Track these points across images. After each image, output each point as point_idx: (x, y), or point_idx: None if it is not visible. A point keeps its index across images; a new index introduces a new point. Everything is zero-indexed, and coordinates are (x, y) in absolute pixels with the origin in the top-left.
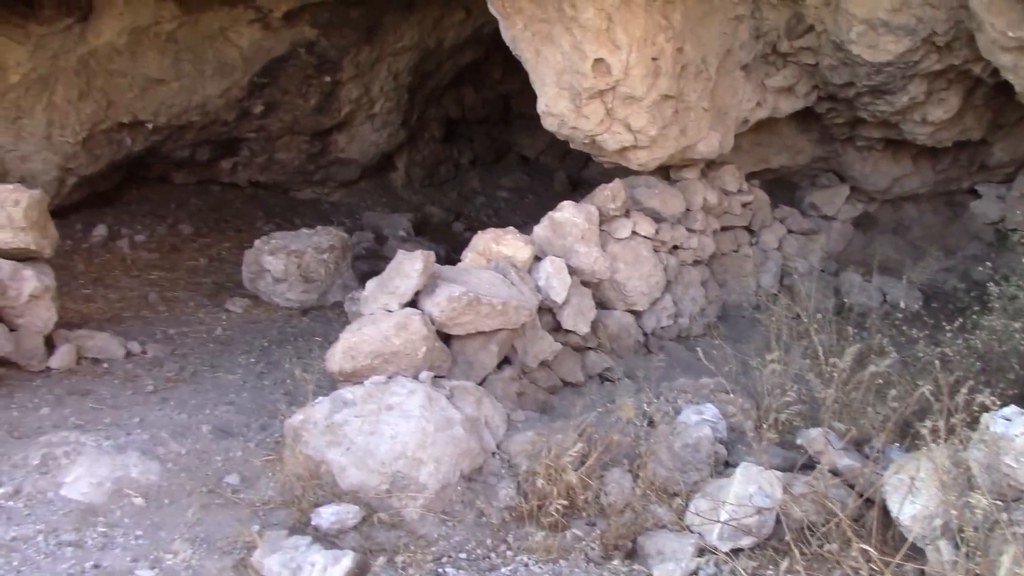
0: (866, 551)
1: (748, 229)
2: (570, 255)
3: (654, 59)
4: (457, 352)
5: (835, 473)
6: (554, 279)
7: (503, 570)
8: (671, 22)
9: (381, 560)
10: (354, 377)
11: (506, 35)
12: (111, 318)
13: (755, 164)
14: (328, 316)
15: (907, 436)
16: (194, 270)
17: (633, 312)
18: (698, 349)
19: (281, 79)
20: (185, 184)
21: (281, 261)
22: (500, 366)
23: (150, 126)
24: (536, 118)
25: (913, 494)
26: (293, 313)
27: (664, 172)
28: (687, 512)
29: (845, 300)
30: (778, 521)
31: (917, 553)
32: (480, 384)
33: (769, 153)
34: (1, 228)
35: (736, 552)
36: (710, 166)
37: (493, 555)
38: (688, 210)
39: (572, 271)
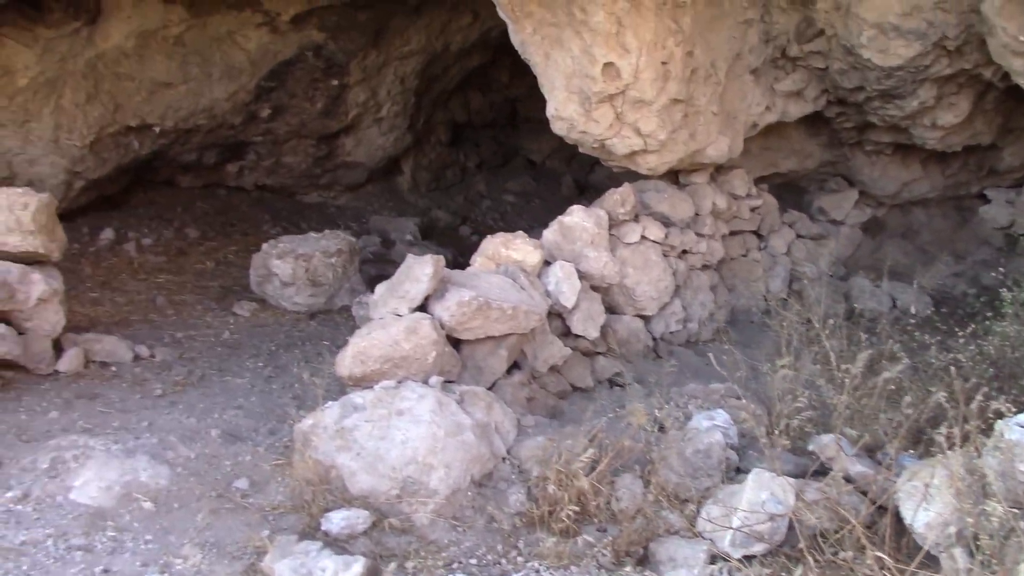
0: (881, 559)
1: (757, 234)
2: (579, 260)
3: (664, 63)
4: (467, 357)
5: (847, 480)
6: (564, 284)
7: None
8: (681, 26)
9: (392, 566)
10: (364, 382)
11: (515, 39)
12: (119, 321)
13: (764, 168)
14: (336, 320)
15: (920, 443)
16: (201, 274)
17: (642, 317)
18: (709, 355)
19: (288, 83)
20: (191, 188)
21: (289, 265)
22: (509, 371)
23: (157, 129)
24: (542, 122)
25: (927, 501)
26: (300, 317)
27: (673, 176)
28: (699, 518)
29: (856, 306)
30: (790, 528)
31: (931, 561)
32: (490, 389)
33: (778, 157)
34: (10, 232)
35: (748, 559)
36: (719, 170)
37: (504, 561)
38: (697, 214)
39: (581, 276)
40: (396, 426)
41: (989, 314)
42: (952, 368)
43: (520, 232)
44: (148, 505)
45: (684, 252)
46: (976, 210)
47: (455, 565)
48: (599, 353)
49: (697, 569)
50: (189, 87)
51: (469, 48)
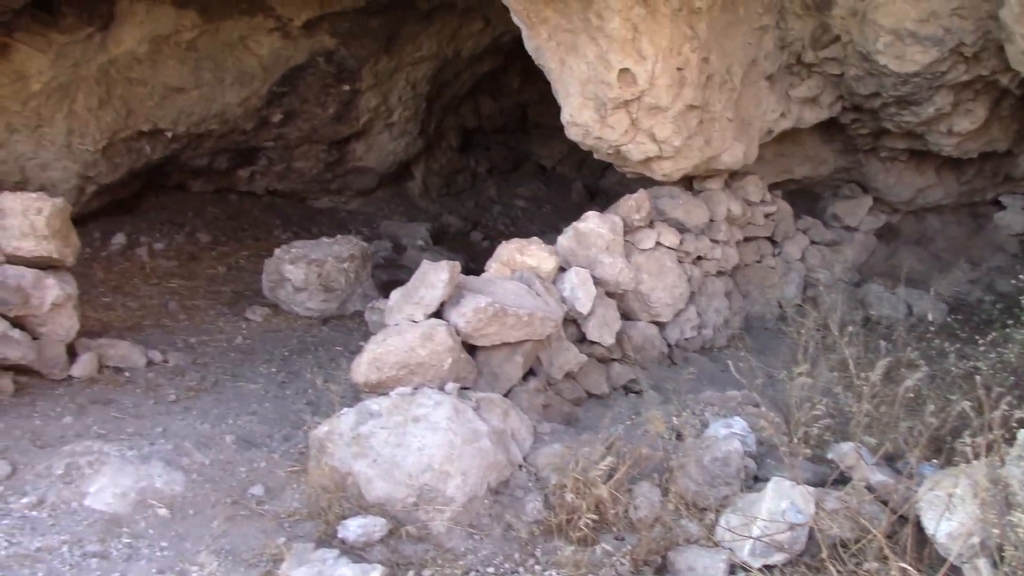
0: (905, 570)
1: (771, 240)
2: (594, 266)
3: (679, 69)
4: (482, 363)
5: (868, 489)
6: (579, 290)
7: None
8: (696, 32)
9: (409, 574)
10: (379, 388)
11: (529, 45)
12: (131, 326)
13: (778, 175)
14: (348, 326)
15: (941, 452)
16: (213, 278)
17: (657, 323)
18: (728, 362)
19: (300, 88)
20: (203, 192)
21: (301, 270)
22: (525, 377)
23: (169, 134)
24: (553, 127)
25: (950, 511)
26: (313, 322)
27: (687, 182)
28: (717, 527)
29: (872, 313)
30: (810, 537)
31: (955, 572)
32: (505, 395)
33: (792, 163)
34: (24, 236)
35: (768, 568)
36: (733, 176)
37: (521, 570)
38: (712, 221)
39: (596, 282)
40: (412, 433)
41: (1010, 322)
42: (973, 376)
43: (535, 238)
44: (163, 512)
45: (699, 258)
46: (991, 217)
47: (472, 573)
48: (614, 360)
49: None
50: (201, 92)
51: (480, 54)
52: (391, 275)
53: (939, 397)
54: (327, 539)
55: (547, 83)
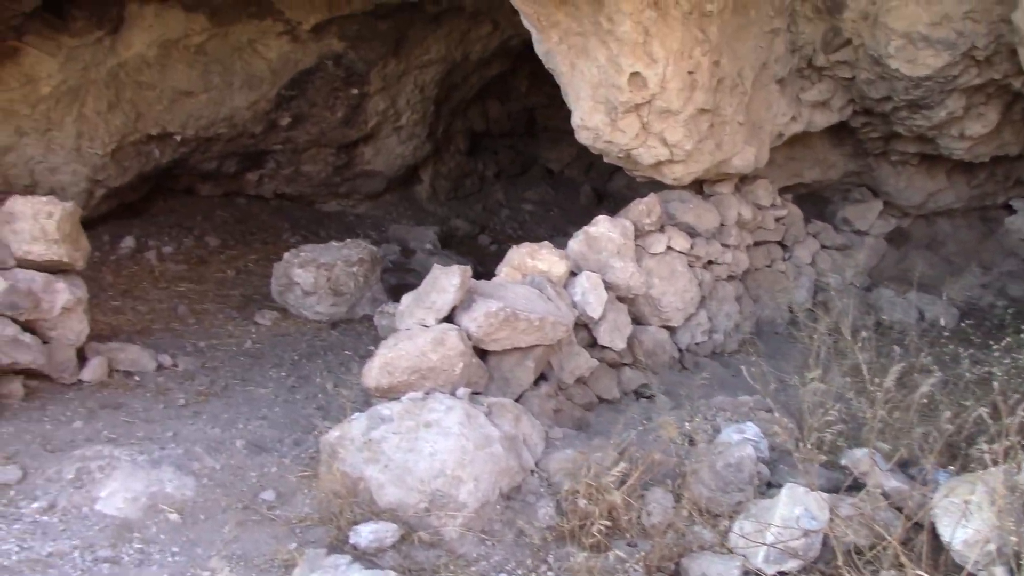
0: None
1: (781, 244)
2: (605, 270)
3: (690, 73)
4: (493, 368)
5: (883, 495)
6: (590, 294)
7: None
8: (708, 35)
9: None
10: (390, 393)
11: (539, 49)
12: (141, 330)
13: (788, 178)
14: (357, 330)
15: (956, 458)
16: (222, 282)
17: (668, 328)
18: (741, 367)
19: (309, 91)
20: (211, 196)
21: (311, 274)
22: (536, 382)
23: (178, 138)
24: (561, 131)
25: (966, 518)
26: (322, 326)
27: (697, 186)
28: (731, 534)
29: (884, 318)
30: (824, 544)
31: None
32: (516, 401)
33: (802, 167)
34: (34, 240)
35: (783, 575)
36: (743, 180)
37: (534, 575)
38: (722, 225)
39: (607, 286)
40: (424, 438)
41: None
42: (986, 382)
43: (546, 242)
44: (174, 517)
45: (709, 263)
46: (1002, 221)
47: None
48: (625, 364)
49: None
50: (210, 96)
51: (489, 57)
52: (400, 279)
53: (953, 403)
54: (339, 545)
55: (555, 87)
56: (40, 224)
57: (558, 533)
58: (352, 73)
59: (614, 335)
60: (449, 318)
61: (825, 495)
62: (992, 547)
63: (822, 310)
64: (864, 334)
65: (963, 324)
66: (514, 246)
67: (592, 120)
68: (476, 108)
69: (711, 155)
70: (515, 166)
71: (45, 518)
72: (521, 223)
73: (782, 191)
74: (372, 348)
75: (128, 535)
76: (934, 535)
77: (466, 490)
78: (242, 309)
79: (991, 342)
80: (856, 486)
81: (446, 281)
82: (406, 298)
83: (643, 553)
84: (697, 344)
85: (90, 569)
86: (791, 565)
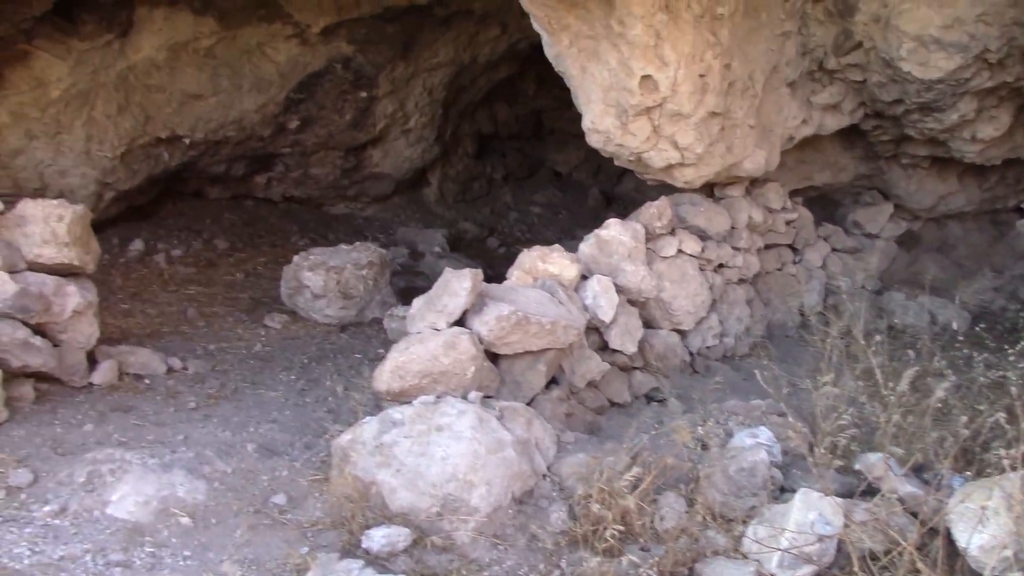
0: None
1: (792, 247)
2: (616, 273)
3: (702, 76)
4: (504, 372)
5: (898, 500)
6: (601, 298)
7: None
8: (719, 38)
9: None
10: (402, 397)
11: (549, 52)
12: (151, 333)
13: (798, 181)
14: (367, 333)
15: (971, 463)
16: (231, 285)
17: (679, 331)
18: (754, 371)
19: (317, 94)
20: (219, 199)
21: (320, 277)
22: (548, 386)
23: (187, 141)
24: (568, 133)
25: (983, 524)
26: (331, 329)
27: (708, 189)
28: (744, 539)
29: (896, 321)
30: (839, 549)
31: None
32: (528, 404)
33: (812, 170)
34: (45, 243)
35: None
36: (754, 183)
37: None
38: (733, 228)
39: (619, 290)
40: (436, 442)
41: None
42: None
43: (557, 246)
44: (186, 520)
45: (720, 266)
46: (1013, 224)
47: None
48: (636, 368)
49: None
50: (219, 99)
51: (497, 60)
52: (408, 281)
53: (967, 407)
54: (351, 549)
55: (563, 89)
56: (51, 227)
57: (571, 538)
58: (361, 76)
59: (625, 339)
60: (460, 322)
61: (839, 500)
62: (1009, 553)
63: (833, 313)
64: (878, 338)
65: (977, 328)
66: (525, 249)
67: (603, 123)
68: (484, 111)
69: (722, 158)
70: (523, 169)
71: (56, 522)
72: (529, 226)
73: (792, 194)
74: (382, 351)
75: (140, 539)
76: (949, 541)
77: (478, 494)
78: (251, 312)
79: (1006, 346)
80: (870, 491)
81: (457, 285)
82: (417, 301)
83: (656, 558)
84: (708, 348)
85: (102, 573)
86: (806, 570)
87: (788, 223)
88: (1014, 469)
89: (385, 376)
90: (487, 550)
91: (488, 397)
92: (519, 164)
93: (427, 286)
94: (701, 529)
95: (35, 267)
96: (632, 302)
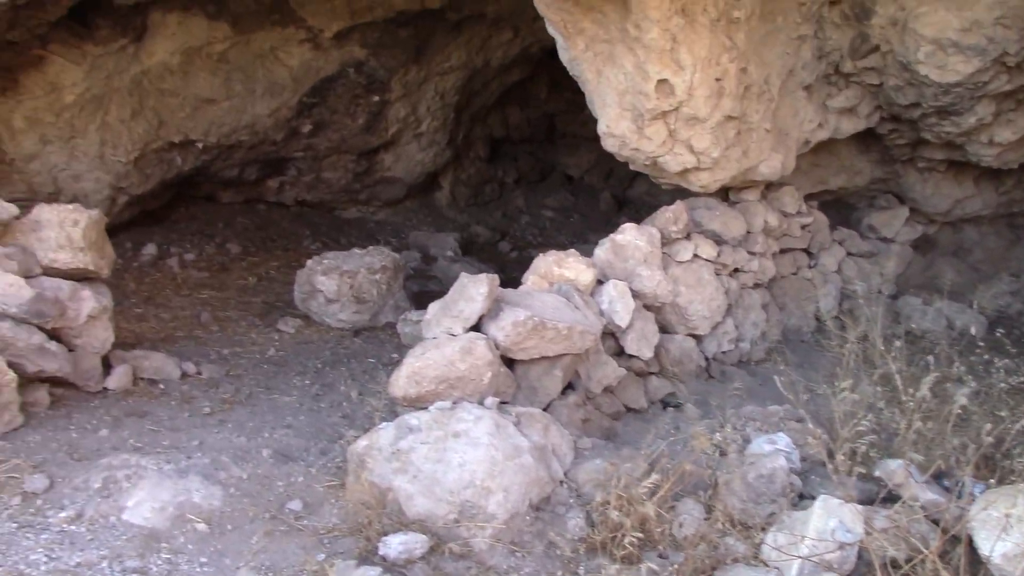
0: None
1: (807, 251)
2: (632, 278)
3: (718, 80)
4: (520, 377)
5: (919, 507)
6: (617, 303)
7: None
8: (735, 42)
9: None
10: (418, 402)
11: (564, 56)
12: (164, 338)
13: (813, 185)
14: (380, 337)
15: (993, 469)
16: (244, 289)
17: (694, 336)
18: (772, 376)
19: (330, 99)
20: (232, 203)
21: (334, 281)
22: (564, 392)
23: (200, 145)
24: (580, 137)
25: (1006, 531)
26: (345, 334)
27: (723, 193)
28: (764, 546)
29: (912, 326)
30: (859, 557)
31: None
32: (544, 410)
33: (827, 174)
34: (60, 248)
35: None
36: (769, 187)
37: None
38: (748, 232)
39: (634, 294)
40: (453, 448)
41: None
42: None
43: (572, 250)
44: (202, 527)
45: (736, 270)
46: None
47: None
48: (652, 373)
49: None
50: (232, 103)
51: (509, 64)
52: (421, 286)
53: (986, 413)
54: (368, 556)
55: (575, 93)
56: (66, 232)
57: (589, 545)
58: (373, 80)
59: (641, 344)
60: (476, 327)
61: (860, 507)
62: None
63: (849, 318)
64: (898, 344)
65: (997, 333)
66: (540, 254)
67: (618, 128)
68: (496, 114)
69: (738, 162)
70: (535, 172)
71: (73, 528)
72: (541, 229)
73: (807, 198)
74: (395, 356)
75: (156, 545)
76: (972, 548)
77: (496, 501)
78: (265, 316)
79: None
80: (891, 498)
81: (474, 290)
82: (433, 306)
83: (675, 565)
84: (724, 353)
85: None
86: None
87: (803, 227)
88: None
89: (401, 382)
90: (505, 557)
91: (504, 403)
92: (531, 168)
93: (440, 290)
94: (720, 536)
95: (50, 272)
96: (648, 307)
